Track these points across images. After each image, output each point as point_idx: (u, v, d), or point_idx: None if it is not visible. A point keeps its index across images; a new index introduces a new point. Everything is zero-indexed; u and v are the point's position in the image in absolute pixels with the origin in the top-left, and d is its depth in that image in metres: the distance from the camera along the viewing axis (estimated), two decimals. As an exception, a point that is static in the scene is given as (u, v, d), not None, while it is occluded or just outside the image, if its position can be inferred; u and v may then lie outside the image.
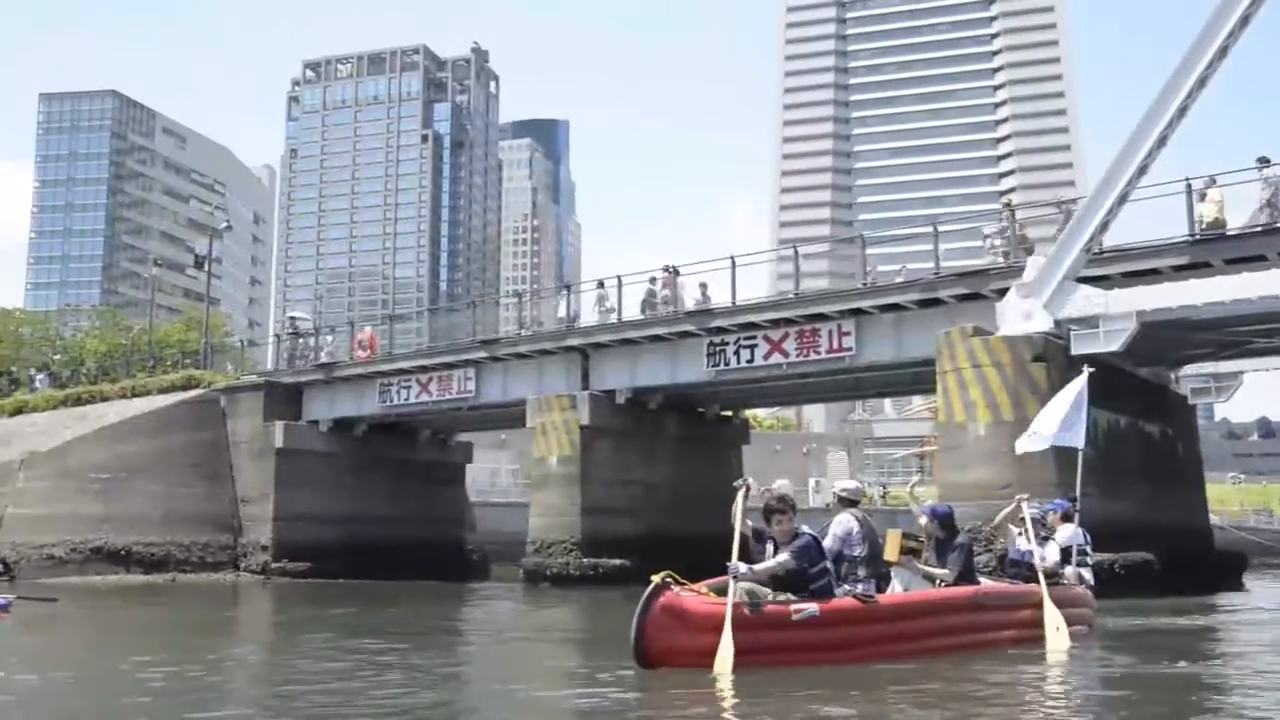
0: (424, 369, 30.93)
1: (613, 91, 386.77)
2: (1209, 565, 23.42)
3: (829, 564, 8.43)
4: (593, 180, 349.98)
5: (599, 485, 27.19)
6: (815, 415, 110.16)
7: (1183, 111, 18.55)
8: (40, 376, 41.92)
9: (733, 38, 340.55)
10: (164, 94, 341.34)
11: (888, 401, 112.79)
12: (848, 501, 9.37)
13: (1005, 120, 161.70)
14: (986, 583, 10.51)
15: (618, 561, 25.49)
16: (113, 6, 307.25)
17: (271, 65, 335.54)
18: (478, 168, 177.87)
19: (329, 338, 34.85)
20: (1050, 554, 11.02)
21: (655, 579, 7.50)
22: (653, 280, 27.14)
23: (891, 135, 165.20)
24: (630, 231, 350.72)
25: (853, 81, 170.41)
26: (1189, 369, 25.63)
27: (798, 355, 24.50)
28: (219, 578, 31.45)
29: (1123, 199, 19.33)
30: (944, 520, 10.25)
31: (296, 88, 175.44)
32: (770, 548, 8.32)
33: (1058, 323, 19.73)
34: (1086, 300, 19.48)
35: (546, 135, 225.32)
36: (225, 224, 49.48)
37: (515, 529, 47.93)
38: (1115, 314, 19.19)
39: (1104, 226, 19.50)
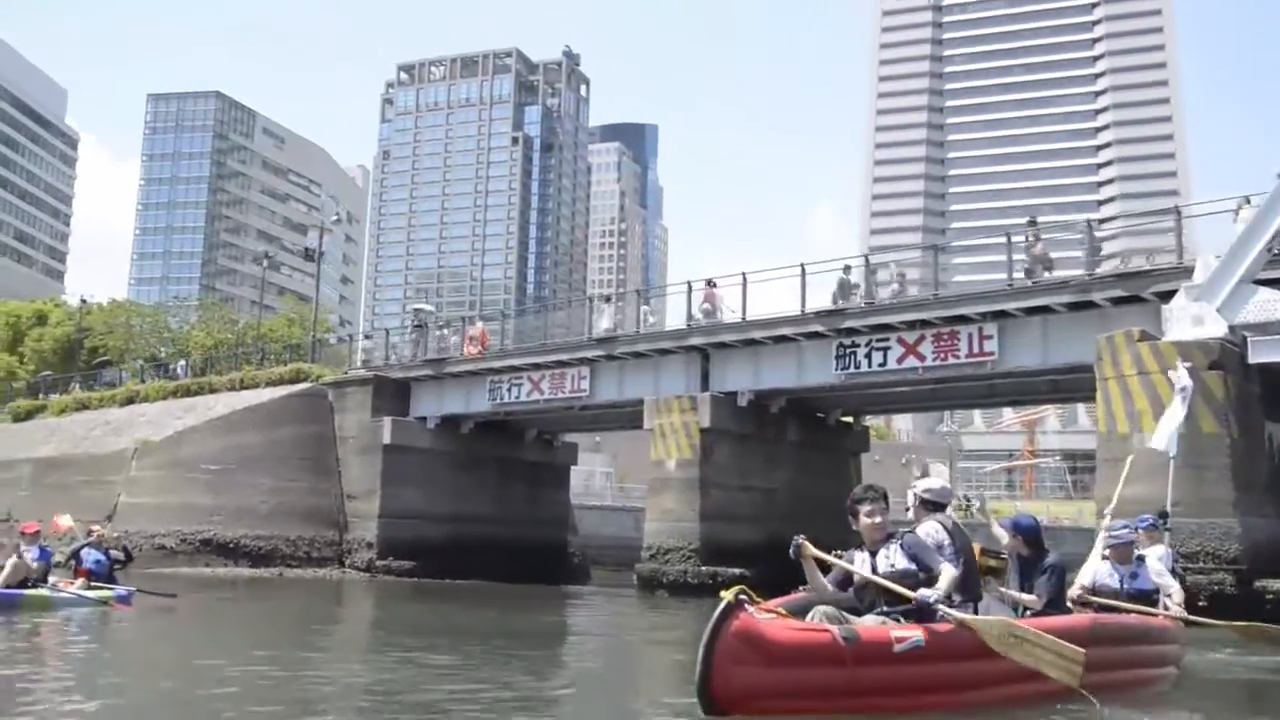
0: (537, 366, 30.27)
1: (702, 96, 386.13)
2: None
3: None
4: (680, 185, 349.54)
5: (719, 490, 26.24)
6: (903, 425, 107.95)
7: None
8: (182, 364, 42.28)
9: (824, 42, 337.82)
10: (264, 95, 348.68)
11: (977, 413, 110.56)
12: (933, 505, 7.48)
13: (1106, 127, 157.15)
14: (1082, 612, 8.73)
15: (737, 570, 24.42)
16: (217, 11, 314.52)
17: (367, 67, 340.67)
18: (567, 170, 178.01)
19: (444, 330, 34.24)
20: (1167, 582, 9.39)
21: (726, 596, 5.69)
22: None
23: (987, 142, 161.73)
24: (716, 236, 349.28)
25: (948, 86, 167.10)
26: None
27: (934, 359, 23.32)
28: (324, 574, 31.17)
29: (1311, 195, 17.92)
30: (1029, 535, 8.35)
31: (390, 90, 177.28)
32: (863, 558, 6.73)
33: (1232, 328, 18.34)
34: (1266, 304, 18.08)
35: (635, 139, 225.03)
36: (335, 217, 49.42)
37: (611, 533, 47.69)
38: (1301, 319, 17.77)
39: (1287, 224, 18.09)
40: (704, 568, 25.23)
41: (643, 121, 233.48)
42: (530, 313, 39.51)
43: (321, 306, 54.67)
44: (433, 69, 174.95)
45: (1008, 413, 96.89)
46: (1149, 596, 9.05)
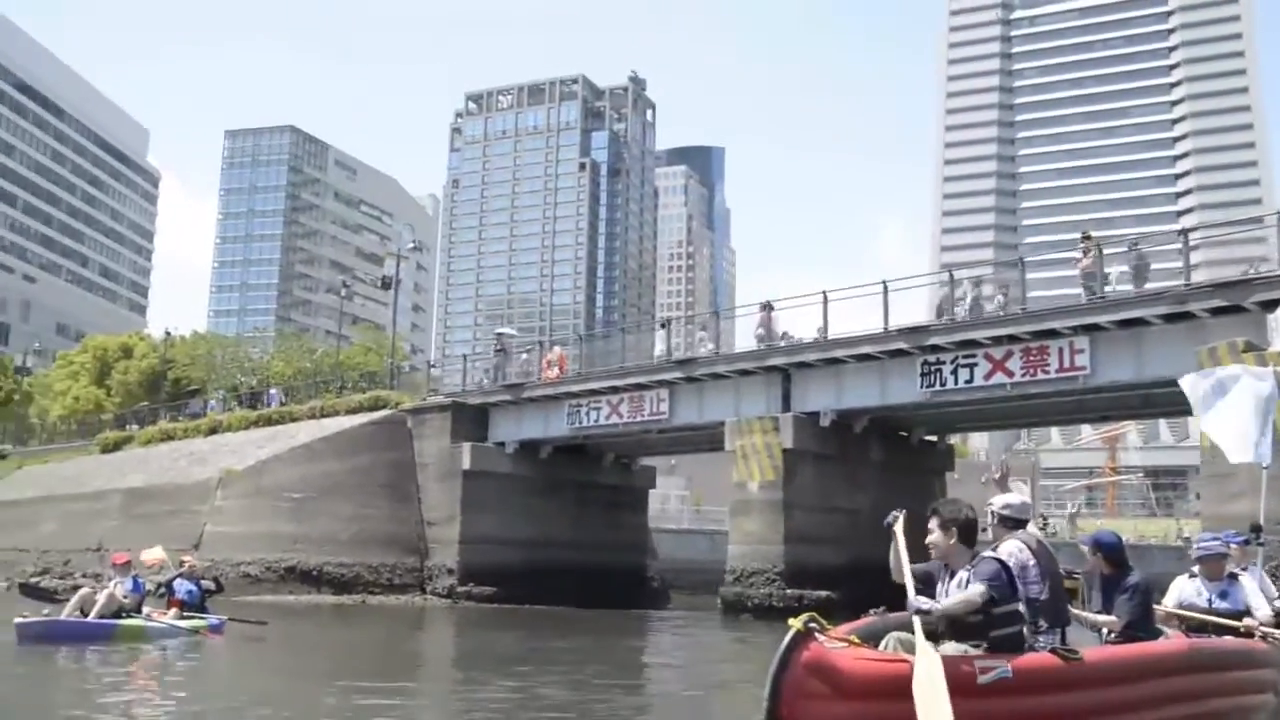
0: (615, 389, 30.14)
1: (768, 118, 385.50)
2: None
3: (1021, 605, 6.07)
4: (748, 207, 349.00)
5: (802, 512, 25.85)
6: (979, 444, 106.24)
7: None
8: (272, 392, 42.90)
9: (890, 60, 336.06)
10: (337, 128, 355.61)
11: (1054, 430, 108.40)
12: (1013, 522, 6.80)
13: (1184, 137, 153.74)
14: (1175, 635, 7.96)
15: (823, 593, 24.13)
16: (290, 46, 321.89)
17: (436, 97, 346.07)
18: (634, 195, 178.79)
19: (525, 355, 34.31)
20: (1259, 603, 8.25)
21: (794, 624, 5.20)
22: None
23: (1059, 155, 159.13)
24: (783, 257, 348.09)
25: (1018, 101, 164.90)
26: None
27: (1023, 375, 22.76)
28: (406, 600, 31.25)
29: None
30: (1111, 553, 7.63)
31: (459, 119, 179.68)
32: (944, 581, 6.16)
33: (1342, 338, 17.64)
34: (1380, 312, 17.35)
35: (701, 162, 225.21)
36: (412, 244, 49.95)
37: (688, 556, 47.31)
38: None
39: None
40: (788, 591, 24.88)
41: (709, 145, 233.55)
42: (600, 337, 39.34)
43: (397, 334, 55.24)
44: (500, 98, 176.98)
45: (1087, 429, 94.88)
46: (1239, 617, 8.17)
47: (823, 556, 25.42)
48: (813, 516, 25.91)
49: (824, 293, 25.71)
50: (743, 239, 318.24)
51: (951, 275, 24.52)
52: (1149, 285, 21.92)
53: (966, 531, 6.06)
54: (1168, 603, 8.45)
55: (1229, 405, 9.56)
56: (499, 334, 41.93)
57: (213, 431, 40.81)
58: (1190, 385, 9.76)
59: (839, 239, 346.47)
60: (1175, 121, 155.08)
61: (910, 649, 5.64)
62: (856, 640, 5.59)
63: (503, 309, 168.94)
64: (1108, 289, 21.84)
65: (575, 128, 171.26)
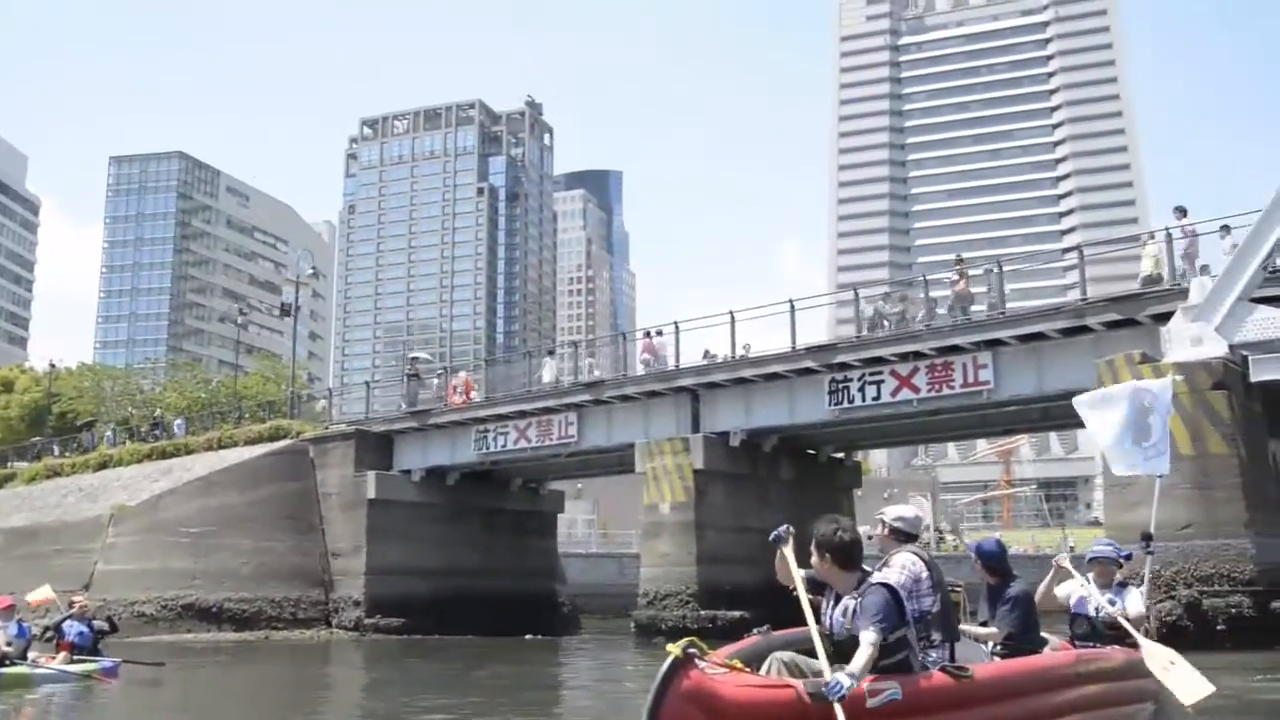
0: (523, 414, 29.83)
1: (664, 141, 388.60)
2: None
3: (909, 629, 5.71)
4: (646, 229, 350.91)
5: (714, 532, 25.82)
6: (879, 460, 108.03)
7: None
8: (179, 423, 41.33)
9: (786, 83, 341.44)
10: (228, 154, 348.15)
11: (951, 446, 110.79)
12: (904, 535, 6.52)
13: (1065, 159, 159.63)
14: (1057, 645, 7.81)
15: (737, 613, 24.06)
16: (178, 71, 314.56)
17: (330, 123, 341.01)
18: (533, 219, 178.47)
19: (435, 380, 33.72)
20: (1133, 603, 8.07)
21: (672, 650, 4.82)
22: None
23: (949, 176, 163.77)
24: (684, 280, 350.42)
25: (908, 124, 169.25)
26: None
27: (929, 391, 23.09)
28: (311, 634, 30.44)
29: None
30: (992, 561, 7.34)
31: (354, 145, 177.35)
32: (829, 603, 5.80)
33: (1232, 348, 18.22)
34: (1265, 322, 17.98)
35: (600, 186, 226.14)
36: (311, 270, 48.76)
37: (596, 581, 47.10)
38: (1301, 336, 17.66)
39: (1280, 242, 18.06)
40: (703, 612, 24.79)
41: (606, 168, 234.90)
42: (504, 362, 38.61)
43: (296, 362, 54.02)
44: (396, 123, 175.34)
45: (982, 444, 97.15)
46: (1119, 628, 7.92)
47: (736, 576, 25.38)
48: (725, 536, 25.88)
49: (731, 313, 25.91)
50: (642, 262, 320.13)
51: (857, 294, 24.79)
52: (1037, 302, 22.49)
53: (842, 555, 5.62)
54: (1061, 595, 8.28)
55: (1119, 419, 9.43)
56: (412, 358, 41.29)
57: (103, 466, 39.37)
58: (1083, 404, 9.71)
59: (739, 260, 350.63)
60: (1057, 144, 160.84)
61: (794, 671, 5.50)
62: (739, 664, 5.30)
63: (402, 335, 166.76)
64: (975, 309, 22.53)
65: (473, 153, 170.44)
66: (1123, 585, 8.17)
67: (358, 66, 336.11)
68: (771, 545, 5.86)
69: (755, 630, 6.25)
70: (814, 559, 5.63)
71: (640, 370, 27.79)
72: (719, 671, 5.02)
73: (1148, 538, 9.31)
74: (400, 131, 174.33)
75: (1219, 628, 16.60)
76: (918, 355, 23.16)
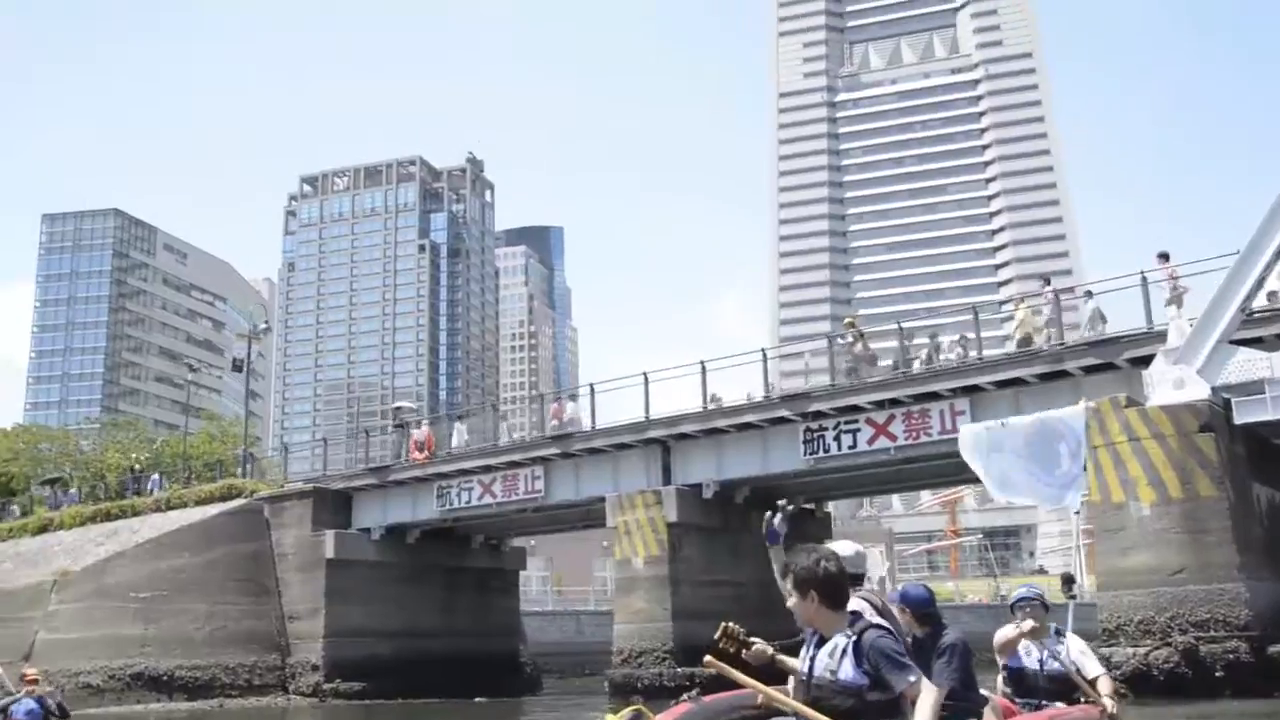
0: (488, 469, 29.19)
1: (605, 196, 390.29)
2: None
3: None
4: (588, 285, 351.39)
5: (689, 587, 25.30)
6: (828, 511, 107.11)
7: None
8: (155, 478, 39.77)
9: (725, 141, 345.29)
10: (164, 212, 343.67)
11: (896, 497, 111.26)
12: (851, 578, 5.33)
13: (999, 212, 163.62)
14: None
15: (713, 671, 23.48)
16: (115, 125, 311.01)
17: (269, 180, 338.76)
18: (474, 275, 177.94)
19: (422, 426, 32.68)
20: (1091, 664, 7.09)
21: None
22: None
23: (887, 230, 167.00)
24: (626, 335, 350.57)
25: (846, 178, 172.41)
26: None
27: (906, 438, 22.90)
28: (268, 702, 29.37)
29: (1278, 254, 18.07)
30: (921, 607, 6.32)
31: (294, 202, 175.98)
32: (811, 646, 4.69)
33: (1214, 390, 18.25)
34: (1247, 364, 18.03)
35: (541, 241, 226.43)
36: (265, 325, 47.78)
37: (554, 639, 46.23)
38: (1282, 378, 17.71)
39: (1260, 283, 18.20)
40: (679, 669, 24.16)
41: (548, 224, 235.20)
42: (461, 416, 37.80)
43: (238, 420, 52.80)
44: (336, 179, 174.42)
45: (926, 494, 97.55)
46: (1068, 682, 7.01)
47: (711, 633, 24.63)
48: (700, 590, 25.38)
49: (702, 362, 25.63)
50: (585, 317, 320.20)
51: (563, 396, 24.77)
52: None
53: (830, 590, 4.58)
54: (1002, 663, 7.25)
55: (1018, 450, 8.42)
56: (396, 408, 40.53)
57: (42, 530, 37.83)
58: (968, 439, 8.76)
59: (679, 314, 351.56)
60: (990, 197, 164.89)
61: None
62: None
63: (343, 393, 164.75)
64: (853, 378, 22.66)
65: (414, 209, 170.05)
66: (1059, 633, 7.23)
67: (297, 123, 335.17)
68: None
69: (686, 696, 5.25)
70: (793, 601, 4.60)
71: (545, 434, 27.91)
72: None
73: (1070, 581, 8.69)
74: (340, 188, 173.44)
75: (1218, 674, 16.40)
76: (894, 403, 22.99)
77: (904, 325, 24.65)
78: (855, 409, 23.43)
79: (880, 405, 23.11)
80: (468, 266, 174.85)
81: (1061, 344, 21.27)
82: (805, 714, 4.26)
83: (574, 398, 27.40)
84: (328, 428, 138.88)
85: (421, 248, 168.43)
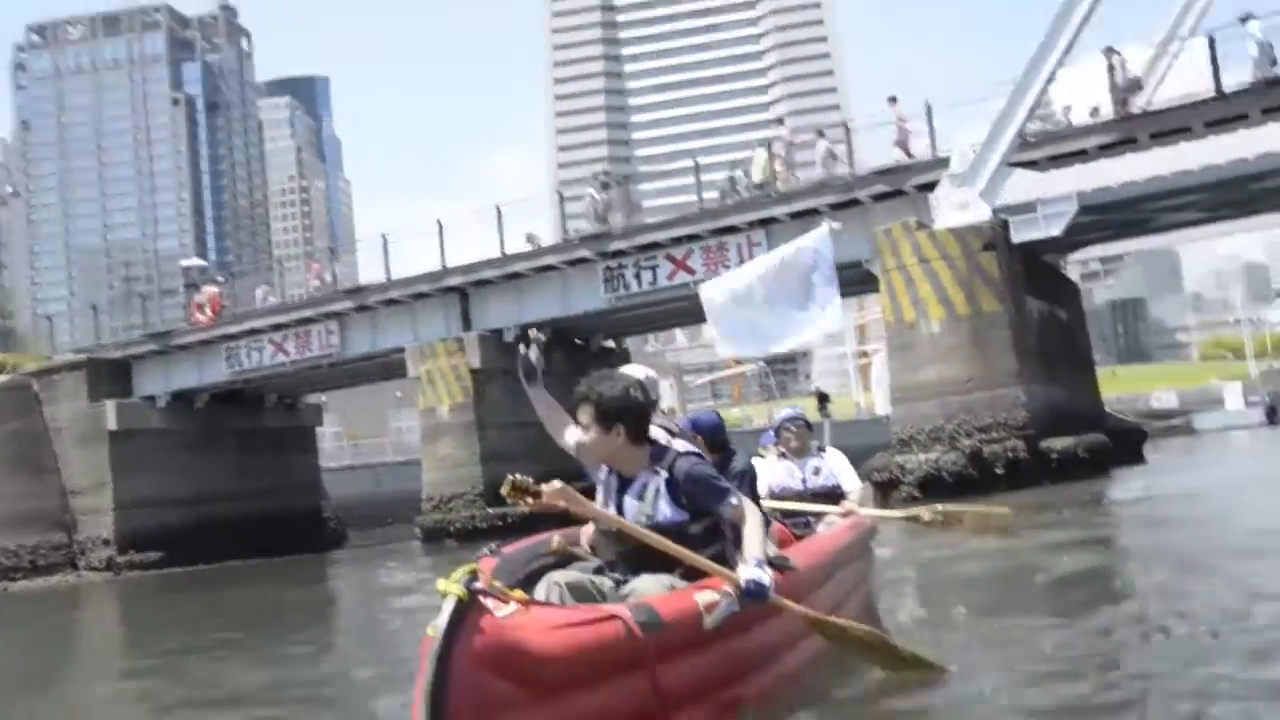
0: (278, 327, 28.09)
1: (372, 46, 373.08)
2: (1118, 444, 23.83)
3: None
4: (360, 138, 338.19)
5: (496, 430, 25.30)
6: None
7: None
8: None
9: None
10: None
11: (679, 331, 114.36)
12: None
13: (769, 50, 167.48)
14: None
15: (526, 509, 23.80)
16: None
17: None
18: (236, 129, 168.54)
19: (203, 289, 30.70)
20: (849, 479, 7.04)
21: (449, 589, 2.88)
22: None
23: (662, 70, 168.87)
24: (402, 188, 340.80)
25: (620, 20, 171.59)
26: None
27: (705, 271, 23.17)
28: (57, 581, 28.04)
29: (1050, 79, 18.98)
30: (711, 435, 5.74)
31: (22, 54, 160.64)
32: (609, 487, 4.23)
33: (994, 211, 19.23)
34: (1023, 185, 19.03)
35: (306, 93, 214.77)
36: (11, 189, 43.76)
37: (353, 493, 45.76)
38: (1054, 197, 18.81)
39: (1033, 109, 19.10)
40: (491, 510, 24.37)
41: (313, 74, 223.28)
42: (244, 274, 36.03)
43: (5, 289, 48.94)
44: (69, 28, 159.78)
45: (706, 328, 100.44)
46: (834, 495, 6.96)
47: (522, 472, 24.71)
48: (507, 434, 25.34)
49: (498, 206, 25.15)
50: (359, 170, 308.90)
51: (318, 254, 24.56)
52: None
53: (638, 423, 4.11)
54: (762, 489, 6.71)
55: (770, 301, 8.10)
56: (185, 266, 37.91)
57: None
58: (711, 292, 8.52)
59: (459, 164, 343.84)
60: (760, 35, 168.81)
61: (585, 594, 3.94)
62: (522, 596, 3.28)
63: (101, 258, 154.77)
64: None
65: (162, 60, 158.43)
66: (820, 450, 7.20)
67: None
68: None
69: (487, 548, 4.36)
70: (590, 434, 4.14)
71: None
72: (509, 610, 3.14)
73: (824, 398, 8.57)
74: (75, 39, 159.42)
75: (998, 471, 17.73)
76: (692, 238, 23.24)
77: (700, 162, 24.79)
78: (654, 245, 23.61)
79: (678, 241, 23.34)
80: (228, 120, 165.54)
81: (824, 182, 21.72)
82: (651, 539, 3.90)
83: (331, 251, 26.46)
84: (86, 296, 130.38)
85: (175, 101, 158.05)
